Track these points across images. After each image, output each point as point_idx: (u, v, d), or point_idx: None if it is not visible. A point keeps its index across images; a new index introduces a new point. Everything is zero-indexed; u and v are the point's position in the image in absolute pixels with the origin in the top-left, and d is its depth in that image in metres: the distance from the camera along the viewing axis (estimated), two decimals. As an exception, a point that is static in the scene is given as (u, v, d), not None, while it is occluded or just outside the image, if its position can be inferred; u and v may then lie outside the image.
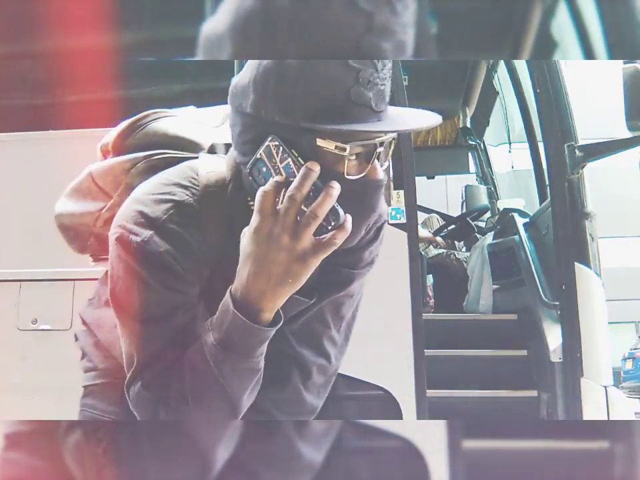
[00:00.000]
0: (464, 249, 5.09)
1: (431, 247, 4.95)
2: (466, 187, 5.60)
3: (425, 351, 2.81)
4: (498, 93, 4.88)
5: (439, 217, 5.42)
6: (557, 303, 3.00)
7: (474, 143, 5.68)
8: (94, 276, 2.95)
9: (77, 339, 1.48)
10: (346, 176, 1.02)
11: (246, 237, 1.01)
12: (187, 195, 1.13)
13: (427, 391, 2.77)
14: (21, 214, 3.02)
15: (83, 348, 1.45)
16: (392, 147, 1.09)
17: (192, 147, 1.29)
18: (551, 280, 3.21)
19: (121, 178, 1.31)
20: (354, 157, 1.03)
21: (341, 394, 2.75)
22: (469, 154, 5.85)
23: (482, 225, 4.99)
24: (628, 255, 15.08)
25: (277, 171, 1.03)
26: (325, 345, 1.28)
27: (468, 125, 5.67)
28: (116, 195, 1.32)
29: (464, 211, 5.37)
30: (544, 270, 3.36)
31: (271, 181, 1.00)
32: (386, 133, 1.04)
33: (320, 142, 1.01)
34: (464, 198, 5.54)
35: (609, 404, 2.77)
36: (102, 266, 1.43)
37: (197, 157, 1.23)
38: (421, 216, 4.97)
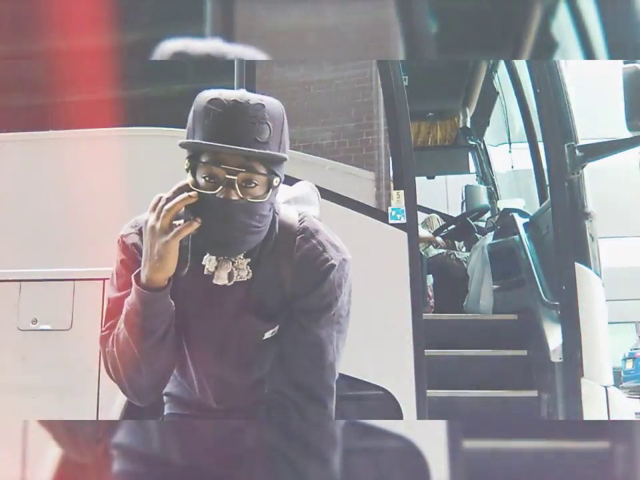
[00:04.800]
0: (464, 249, 5.09)
1: (431, 247, 4.94)
2: (466, 187, 5.60)
3: (425, 350, 2.81)
4: (498, 93, 4.87)
5: (438, 217, 5.41)
6: (557, 303, 3.00)
7: (474, 143, 5.68)
8: (94, 276, 2.95)
9: None
10: (192, 187, 1.36)
11: None
12: None
13: (427, 390, 2.77)
14: (21, 214, 3.02)
15: None
16: (271, 188, 1.39)
17: None
18: (551, 280, 3.20)
19: None
20: (212, 180, 1.36)
21: (341, 394, 2.75)
22: (469, 154, 5.85)
23: (482, 224, 4.99)
24: (628, 254, 15.08)
25: None
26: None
27: (468, 125, 5.67)
28: None
29: (464, 210, 5.37)
30: (544, 270, 3.36)
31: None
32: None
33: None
34: (464, 198, 5.53)
35: (609, 404, 2.76)
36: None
37: None
38: (421, 216, 4.96)
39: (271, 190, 1.38)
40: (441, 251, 4.87)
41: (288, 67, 4.97)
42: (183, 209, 1.36)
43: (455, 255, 4.77)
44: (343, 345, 1.52)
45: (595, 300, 2.88)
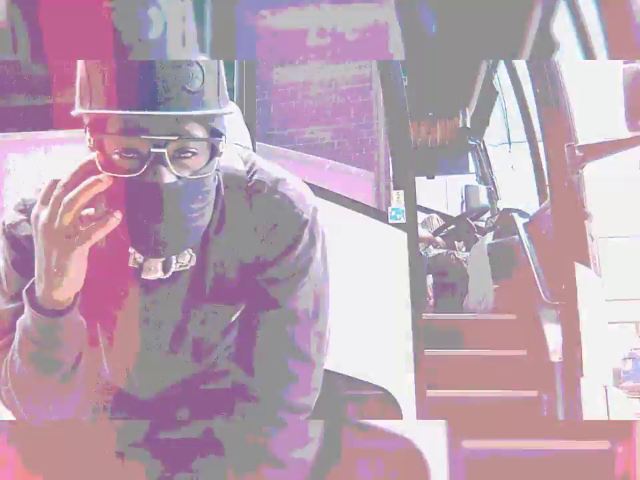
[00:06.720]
0: (464, 249, 5.09)
1: (431, 247, 4.95)
2: (466, 186, 5.60)
3: (425, 350, 2.81)
4: (498, 92, 4.88)
5: (438, 217, 5.42)
6: (557, 303, 3.00)
7: (474, 143, 5.68)
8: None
9: None
10: (102, 170, 0.95)
11: None
12: None
13: (427, 390, 2.77)
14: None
15: None
16: (216, 154, 1.00)
17: None
18: (551, 280, 3.21)
19: None
20: (129, 154, 0.95)
21: (340, 394, 2.75)
22: (469, 154, 5.85)
23: (482, 224, 4.99)
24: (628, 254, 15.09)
25: None
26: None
27: (468, 125, 5.67)
28: None
29: (464, 210, 5.37)
30: (544, 270, 3.36)
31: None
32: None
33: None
34: (464, 198, 5.54)
35: (609, 404, 2.77)
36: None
37: None
38: (421, 216, 4.97)
39: (215, 157, 1.00)
40: (441, 250, 4.88)
41: (288, 67, 4.97)
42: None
43: (455, 255, 4.77)
44: (325, 312, 1.18)
45: (594, 300, 2.88)
